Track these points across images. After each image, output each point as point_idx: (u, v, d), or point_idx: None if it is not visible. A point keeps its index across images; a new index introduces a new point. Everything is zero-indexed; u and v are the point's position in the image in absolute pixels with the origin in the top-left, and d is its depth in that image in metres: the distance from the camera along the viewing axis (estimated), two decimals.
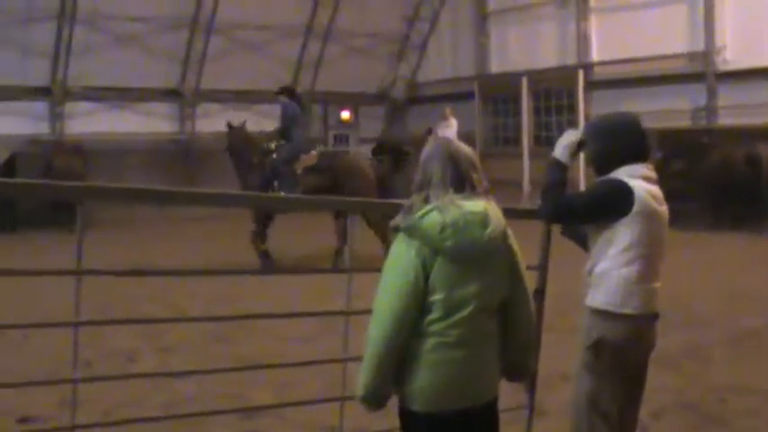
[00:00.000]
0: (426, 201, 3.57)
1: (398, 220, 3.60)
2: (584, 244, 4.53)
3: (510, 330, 3.76)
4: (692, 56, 20.90)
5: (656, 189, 4.36)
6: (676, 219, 5.07)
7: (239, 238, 15.55)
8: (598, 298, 4.32)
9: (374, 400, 3.62)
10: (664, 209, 4.38)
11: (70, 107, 22.47)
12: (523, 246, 3.82)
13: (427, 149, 3.74)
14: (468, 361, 3.57)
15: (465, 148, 3.73)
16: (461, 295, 3.51)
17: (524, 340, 3.85)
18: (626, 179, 4.27)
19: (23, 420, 6.33)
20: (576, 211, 4.42)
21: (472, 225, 3.49)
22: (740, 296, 11.03)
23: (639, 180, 4.29)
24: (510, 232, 3.73)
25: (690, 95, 20.81)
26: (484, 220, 3.52)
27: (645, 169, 4.35)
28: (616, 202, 4.26)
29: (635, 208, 4.21)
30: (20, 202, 19.15)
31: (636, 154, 4.36)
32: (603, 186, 4.37)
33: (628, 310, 4.26)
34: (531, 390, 4.98)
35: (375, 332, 3.53)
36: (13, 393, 6.64)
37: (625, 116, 4.64)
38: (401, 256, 3.54)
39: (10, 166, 19.55)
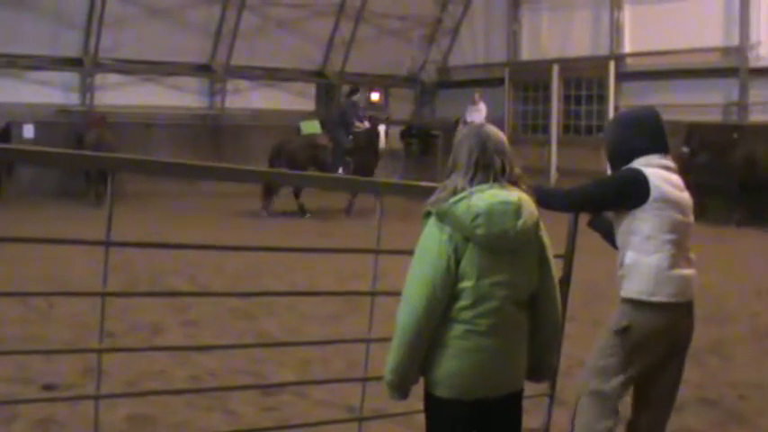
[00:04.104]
0: (455, 185, 3.55)
1: (431, 204, 3.59)
2: (611, 239, 4.54)
3: (536, 325, 3.74)
4: (725, 50, 20.66)
5: (674, 177, 4.37)
6: (702, 213, 5.07)
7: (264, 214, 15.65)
8: (630, 287, 4.33)
9: (401, 385, 3.62)
10: (685, 195, 4.38)
11: (100, 79, 22.54)
12: (550, 235, 3.81)
13: (459, 134, 3.74)
14: (496, 350, 3.56)
15: (496, 133, 3.69)
16: (490, 284, 3.49)
17: (548, 338, 3.83)
18: (641, 168, 4.28)
19: (48, 388, 6.40)
20: (590, 199, 4.46)
21: (505, 215, 3.46)
22: (763, 293, 10.97)
23: (656, 169, 4.29)
24: (542, 224, 3.71)
25: (722, 90, 20.59)
26: (517, 211, 3.49)
27: (662, 159, 4.35)
28: (631, 190, 4.27)
29: (652, 196, 4.22)
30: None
31: (653, 146, 4.36)
32: (618, 175, 4.41)
33: (660, 298, 4.25)
34: (552, 378, 4.98)
35: (406, 318, 3.51)
36: (39, 360, 6.75)
37: (643, 110, 4.66)
38: (433, 241, 3.51)
39: (5, 137, 19.63)
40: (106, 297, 4.36)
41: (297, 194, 18.26)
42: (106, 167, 4.36)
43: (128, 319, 8.21)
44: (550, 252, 3.75)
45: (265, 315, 8.96)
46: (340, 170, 18.03)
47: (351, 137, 18.55)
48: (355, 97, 19.80)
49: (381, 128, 18.72)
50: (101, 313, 4.24)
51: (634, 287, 4.29)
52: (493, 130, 3.71)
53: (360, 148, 18.52)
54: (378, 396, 4.27)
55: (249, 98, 24.88)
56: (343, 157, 18.42)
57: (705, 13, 20.78)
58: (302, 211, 18.13)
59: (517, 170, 3.64)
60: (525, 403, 3.97)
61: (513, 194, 3.54)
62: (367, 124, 18.84)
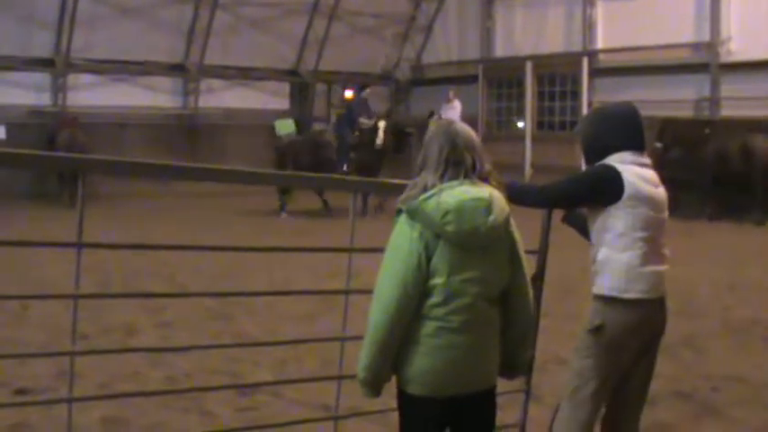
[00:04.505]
0: (425, 182, 3.56)
1: (401, 200, 3.59)
2: (585, 233, 4.55)
3: (508, 321, 3.74)
4: (696, 46, 20.83)
5: (649, 172, 4.36)
6: (675, 207, 5.10)
7: (241, 213, 15.59)
8: (602, 284, 4.33)
9: (374, 383, 3.63)
10: (660, 191, 4.38)
11: (72, 79, 22.37)
12: (523, 230, 3.83)
13: (429, 131, 3.74)
14: (469, 347, 3.56)
15: (466, 130, 3.68)
16: (462, 281, 3.50)
17: (521, 334, 3.84)
18: (615, 164, 4.29)
19: (21, 392, 6.36)
20: (563, 195, 4.47)
21: (475, 211, 3.46)
22: (736, 286, 11.07)
23: (630, 165, 4.29)
24: (513, 221, 3.71)
25: (694, 86, 20.76)
26: (488, 207, 3.49)
27: (636, 156, 4.35)
28: (604, 187, 4.27)
29: (626, 193, 4.23)
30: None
31: (628, 143, 4.36)
32: (591, 171, 4.41)
33: (632, 295, 4.25)
34: (528, 374, 4.99)
35: (377, 316, 3.51)
36: (11, 364, 6.70)
37: (620, 106, 4.64)
38: (404, 239, 3.51)
39: None
40: (80, 299, 4.33)
41: (320, 193, 18.33)
42: (76, 169, 4.33)
43: (102, 320, 8.18)
44: (521, 248, 3.75)
45: (241, 315, 8.94)
46: (344, 167, 18.09)
47: (357, 133, 18.49)
48: (364, 93, 19.70)
49: (381, 124, 18.70)
50: (73, 316, 4.21)
51: (606, 284, 4.31)
52: (462, 126, 3.72)
53: (364, 144, 18.46)
54: (353, 394, 4.27)
55: (223, 97, 24.79)
56: (348, 155, 18.38)
57: (676, 9, 20.93)
58: (327, 209, 18.21)
59: (487, 166, 3.64)
60: (501, 399, 3.98)
61: (484, 191, 3.54)
62: (374, 121, 18.80)
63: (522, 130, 23.97)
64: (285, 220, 17.43)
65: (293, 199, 18.26)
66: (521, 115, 24.38)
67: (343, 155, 18.38)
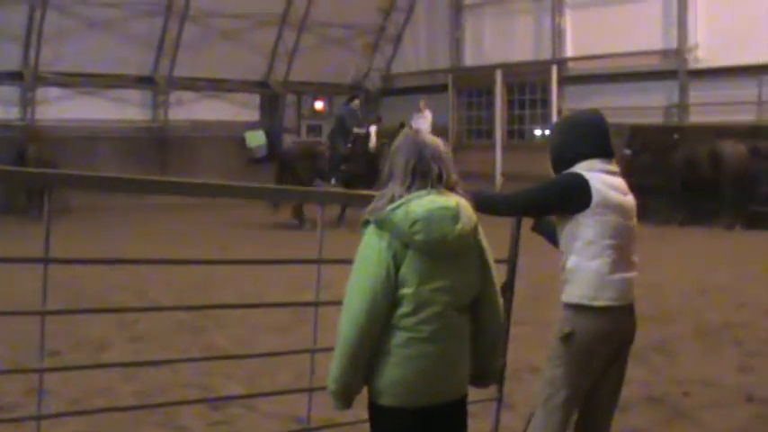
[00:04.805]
0: (393, 193, 3.56)
1: (369, 212, 3.58)
2: (554, 241, 4.56)
3: (478, 330, 3.74)
4: (665, 53, 21.04)
5: (617, 180, 4.38)
6: (645, 213, 5.13)
7: (212, 226, 15.53)
8: (571, 292, 4.34)
9: (345, 395, 3.61)
10: (628, 198, 4.40)
11: (41, 93, 22.27)
12: (493, 239, 3.84)
13: (396, 142, 3.75)
14: (439, 357, 3.54)
15: (432, 141, 3.68)
16: (431, 290, 3.49)
17: (491, 343, 3.83)
18: (583, 172, 4.31)
19: None
20: (531, 203, 4.48)
21: (443, 220, 3.46)
22: (706, 290, 11.16)
23: (598, 173, 4.30)
24: (481, 229, 3.72)
25: (662, 92, 20.96)
26: (455, 216, 3.49)
27: (604, 164, 4.36)
28: (572, 195, 4.28)
29: (594, 201, 4.24)
30: None
31: (596, 151, 4.38)
32: (559, 179, 4.42)
33: (601, 303, 4.27)
34: (500, 382, 5.00)
35: (347, 327, 3.50)
36: None
37: (588, 113, 4.67)
38: (372, 250, 3.51)
39: None
40: (51, 315, 4.30)
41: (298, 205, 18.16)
42: (41, 184, 4.29)
43: (74, 335, 8.12)
44: (491, 256, 3.76)
45: (213, 327, 8.90)
46: (332, 180, 18.10)
47: (349, 144, 18.50)
48: (353, 104, 19.78)
49: (372, 128, 18.78)
50: (41, 332, 4.18)
51: (576, 291, 4.32)
52: (429, 137, 3.72)
53: (357, 154, 18.46)
54: (326, 406, 4.26)
55: (193, 109, 24.76)
56: (339, 167, 18.36)
57: (644, 17, 21.16)
58: (301, 221, 18.04)
59: (454, 176, 3.64)
60: (473, 408, 3.98)
61: (451, 200, 3.54)
62: (365, 130, 18.89)
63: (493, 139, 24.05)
64: (258, 232, 17.37)
65: (279, 211, 18.10)
66: (541, 123, 24.07)
67: (334, 166, 18.37)
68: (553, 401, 4.37)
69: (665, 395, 6.95)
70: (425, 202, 3.48)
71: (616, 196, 4.32)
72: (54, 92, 22.45)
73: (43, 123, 21.51)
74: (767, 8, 18.58)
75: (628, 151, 17.92)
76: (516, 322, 5.25)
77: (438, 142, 3.69)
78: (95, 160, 21.14)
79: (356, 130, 18.76)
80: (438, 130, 20.69)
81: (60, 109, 22.29)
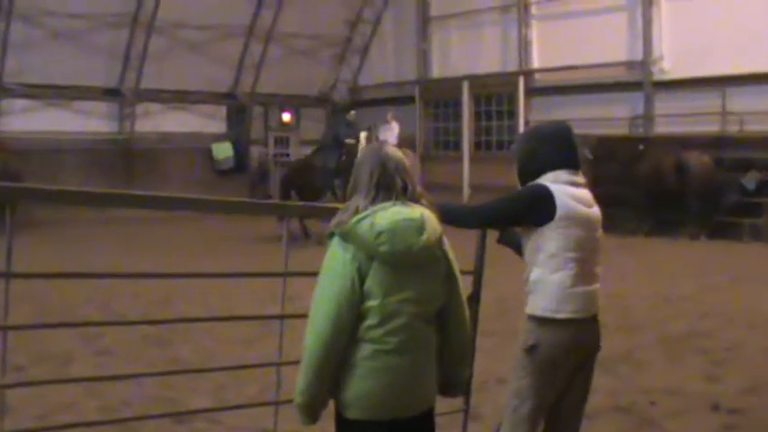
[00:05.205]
0: (357, 205, 3.56)
1: (334, 224, 3.58)
2: (521, 251, 4.56)
3: (444, 340, 3.74)
4: (630, 65, 21.24)
5: (583, 192, 4.38)
6: (611, 224, 5.14)
7: (180, 238, 15.43)
8: (535, 304, 4.34)
9: (311, 408, 3.58)
10: (593, 211, 4.40)
11: (6, 104, 22.07)
12: (459, 251, 3.84)
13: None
14: (405, 369, 3.54)
15: (395, 153, 3.68)
16: (397, 302, 3.49)
17: (458, 353, 3.83)
18: (548, 184, 4.32)
19: None
20: (496, 215, 4.48)
21: (408, 231, 3.46)
22: (671, 300, 11.26)
23: (563, 185, 4.31)
24: (446, 240, 3.72)
25: (628, 103, 21.15)
26: (420, 227, 3.50)
27: (570, 175, 4.36)
28: (536, 206, 4.28)
29: (558, 213, 4.24)
30: None
31: (563, 162, 4.39)
32: (524, 191, 4.42)
33: (564, 315, 4.27)
34: (467, 393, 4.99)
35: (312, 340, 3.49)
36: None
37: (554, 124, 4.68)
38: (337, 262, 3.50)
39: None
40: (13, 330, 4.24)
41: (281, 218, 18.02)
42: (3, 197, 4.24)
43: (37, 350, 8.01)
44: (456, 267, 3.76)
45: (180, 341, 8.83)
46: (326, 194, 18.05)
47: (343, 157, 18.21)
48: (350, 115, 19.77)
49: (363, 134, 18.77)
50: (3, 348, 4.12)
51: (539, 304, 4.33)
52: (392, 150, 3.72)
53: (350, 165, 18.22)
54: (292, 420, 4.24)
55: (159, 121, 24.64)
56: (333, 180, 18.15)
57: (610, 29, 21.35)
58: (306, 234, 17.66)
59: (418, 188, 3.65)
60: (441, 419, 3.98)
61: (416, 212, 3.54)
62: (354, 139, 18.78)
63: (460, 150, 24.14)
64: (226, 244, 17.28)
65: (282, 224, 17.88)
66: (508, 134, 24.20)
67: (327, 180, 18.24)
68: (519, 412, 4.37)
69: (631, 404, 6.99)
70: (390, 214, 3.48)
71: (581, 209, 4.32)
72: (19, 103, 22.27)
73: (8, 135, 21.29)
74: (731, 20, 18.81)
75: (588, 153, 17.82)
76: (483, 333, 5.25)
77: (401, 155, 3.70)
78: (61, 172, 20.96)
79: (348, 140, 18.65)
80: (405, 141, 20.70)
81: (26, 121, 22.10)
